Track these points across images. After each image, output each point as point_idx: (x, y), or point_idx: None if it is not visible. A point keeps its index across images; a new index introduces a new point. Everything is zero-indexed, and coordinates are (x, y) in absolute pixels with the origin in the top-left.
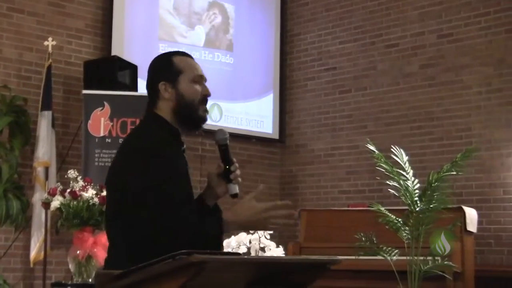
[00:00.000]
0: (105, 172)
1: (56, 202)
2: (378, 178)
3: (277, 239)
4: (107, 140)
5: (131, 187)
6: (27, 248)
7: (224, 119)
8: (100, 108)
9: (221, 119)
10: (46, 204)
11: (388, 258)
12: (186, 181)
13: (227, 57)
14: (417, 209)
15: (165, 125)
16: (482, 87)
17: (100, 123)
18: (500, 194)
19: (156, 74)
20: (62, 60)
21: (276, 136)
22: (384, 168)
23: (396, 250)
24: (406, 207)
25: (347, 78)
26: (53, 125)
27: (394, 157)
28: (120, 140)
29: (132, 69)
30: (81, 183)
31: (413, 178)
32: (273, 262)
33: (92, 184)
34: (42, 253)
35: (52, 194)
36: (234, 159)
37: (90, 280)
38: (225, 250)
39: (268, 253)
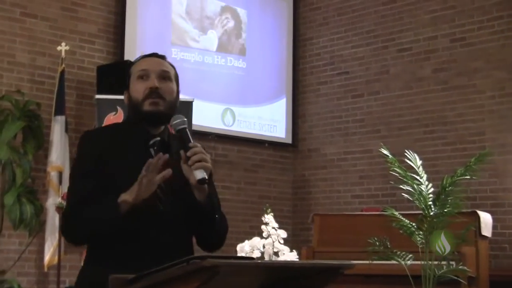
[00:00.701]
0: None
1: None
2: (392, 182)
3: (291, 243)
4: None
5: None
6: (41, 252)
7: (237, 124)
8: (113, 113)
9: (234, 123)
10: (59, 209)
11: (402, 262)
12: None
13: (239, 62)
14: (431, 213)
15: (125, 125)
16: (495, 91)
17: None
18: None
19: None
20: (75, 65)
21: (289, 141)
22: (397, 173)
23: (410, 255)
24: (420, 212)
25: (359, 83)
26: (66, 130)
27: (407, 161)
28: None
29: None
30: None
31: (426, 183)
32: (285, 266)
33: None
34: (56, 257)
35: (66, 198)
36: (194, 144)
37: None
38: (238, 254)
39: (281, 258)
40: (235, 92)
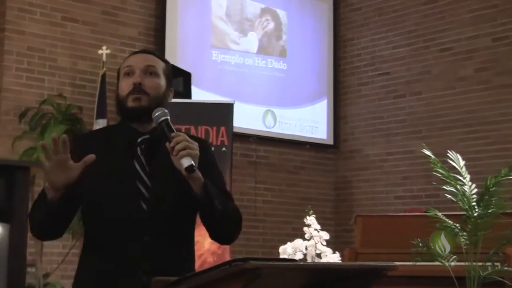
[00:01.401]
0: None
1: None
2: (434, 183)
3: (333, 245)
4: None
5: None
6: None
7: (278, 125)
8: None
9: (275, 125)
10: None
11: (446, 264)
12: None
13: (280, 64)
14: (475, 214)
15: (117, 126)
16: None
17: None
18: None
19: None
20: (115, 68)
21: (330, 142)
22: (440, 173)
23: (454, 256)
24: (463, 213)
25: (400, 83)
26: None
27: (450, 162)
28: None
29: (186, 76)
30: None
31: (470, 183)
32: (328, 268)
33: None
34: None
35: None
36: (177, 133)
37: None
38: (281, 256)
39: (324, 259)
40: (276, 94)
